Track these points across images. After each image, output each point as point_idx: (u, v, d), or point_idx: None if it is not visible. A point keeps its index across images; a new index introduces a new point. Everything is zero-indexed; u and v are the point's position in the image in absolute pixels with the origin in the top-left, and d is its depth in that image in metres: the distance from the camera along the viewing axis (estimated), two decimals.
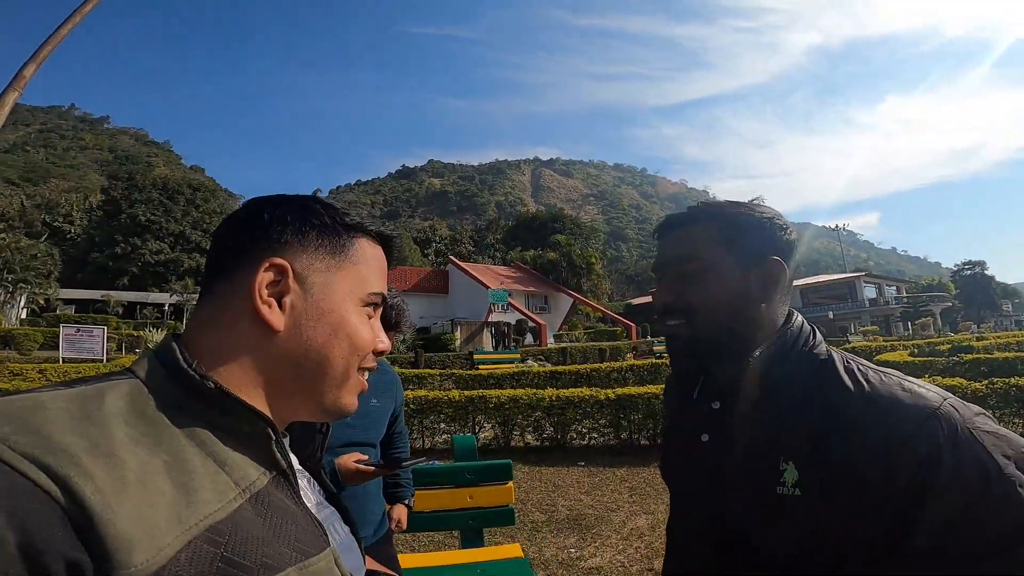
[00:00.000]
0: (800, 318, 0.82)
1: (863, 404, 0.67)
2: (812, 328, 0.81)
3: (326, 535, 0.49)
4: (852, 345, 17.43)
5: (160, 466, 0.39)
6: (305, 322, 0.51)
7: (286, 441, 0.57)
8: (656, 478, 4.97)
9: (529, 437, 6.79)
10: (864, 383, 0.69)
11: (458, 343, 20.65)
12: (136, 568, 0.34)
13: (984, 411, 0.66)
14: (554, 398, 6.45)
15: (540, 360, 16.49)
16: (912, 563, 0.61)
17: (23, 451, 0.34)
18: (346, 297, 0.54)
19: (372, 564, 0.75)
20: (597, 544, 3.66)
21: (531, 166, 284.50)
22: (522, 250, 45.68)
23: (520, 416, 6.53)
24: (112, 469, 0.37)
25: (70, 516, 0.34)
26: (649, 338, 25.48)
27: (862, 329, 32.95)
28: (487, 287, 27.99)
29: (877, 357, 11.79)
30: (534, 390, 6.87)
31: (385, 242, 0.61)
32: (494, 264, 42.28)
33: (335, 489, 0.65)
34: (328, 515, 0.59)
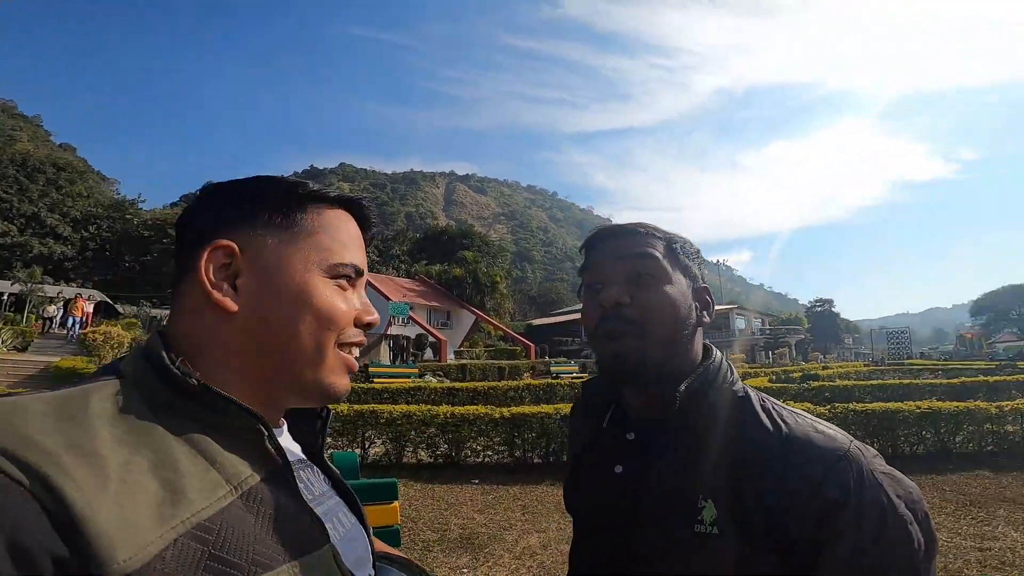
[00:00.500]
0: (719, 353, 0.79)
1: (781, 444, 0.67)
2: (729, 364, 0.78)
3: (324, 530, 0.48)
4: None
5: (145, 465, 0.39)
6: (263, 300, 0.50)
7: (283, 432, 0.56)
8: (549, 496, 5.07)
9: (422, 454, 6.67)
10: (781, 423, 0.70)
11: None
12: (119, 565, 0.34)
13: (877, 452, 0.70)
14: (449, 415, 6.42)
15: (439, 376, 16.30)
16: None
17: (2, 450, 0.34)
18: (306, 269, 0.52)
19: (381, 547, 0.74)
20: (490, 564, 3.65)
21: (446, 179, 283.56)
22: (428, 264, 45.08)
23: (413, 432, 6.44)
24: (93, 468, 0.36)
25: (51, 514, 0.34)
26: (547, 358, 26.20)
27: (732, 357, 36.55)
28: (388, 299, 27.25)
29: (743, 382, 13.20)
30: (428, 406, 6.85)
31: (354, 210, 0.58)
32: (398, 276, 41.24)
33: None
34: (333, 506, 0.57)
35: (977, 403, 6.51)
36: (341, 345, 0.53)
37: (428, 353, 25.01)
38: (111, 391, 0.43)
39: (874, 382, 11.00)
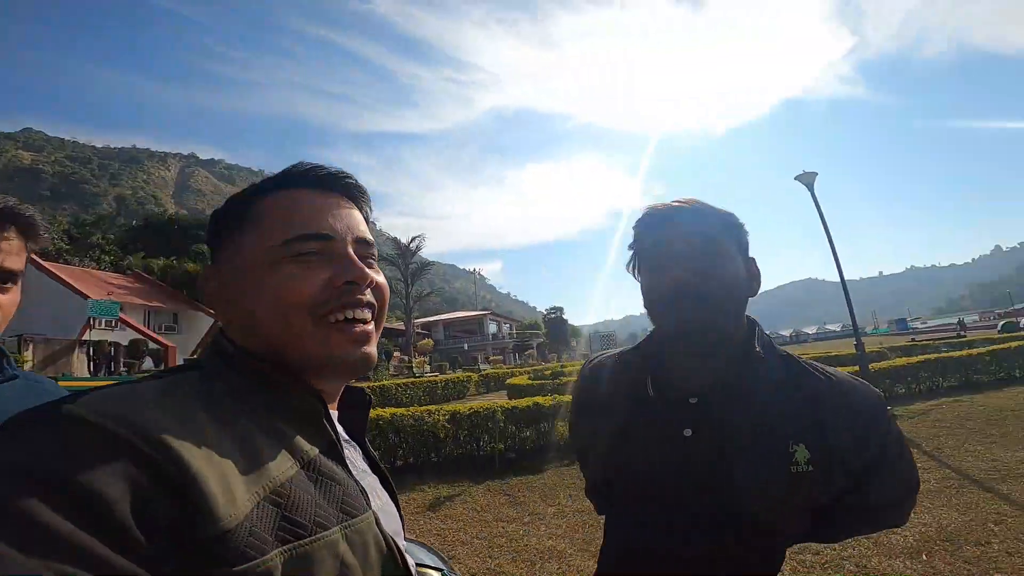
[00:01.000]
0: (755, 319, 0.87)
1: (838, 390, 0.79)
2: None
3: (368, 499, 0.53)
4: (486, 371, 20.81)
5: (230, 439, 0.45)
6: (237, 305, 0.55)
7: (335, 413, 0.61)
8: None
9: None
10: (826, 374, 0.82)
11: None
12: (223, 522, 0.39)
13: None
14: None
15: None
16: (862, 513, 0.80)
17: (122, 417, 0.40)
18: (258, 262, 0.54)
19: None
20: None
21: (181, 162, 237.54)
22: (147, 257, 36.92)
23: None
24: (199, 437, 0.42)
25: (166, 474, 0.38)
26: None
27: (491, 358, 39.67)
28: (86, 296, 21.29)
29: (507, 381, 14.37)
30: None
31: (305, 181, 0.59)
32: (99, 268, 32.45)
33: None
34: (371, 482, 0.60)
35: None
36: (327, 315, 0.54)
37: (148, 363, 20.32)
38: (197, 378, 0.51)
39: None
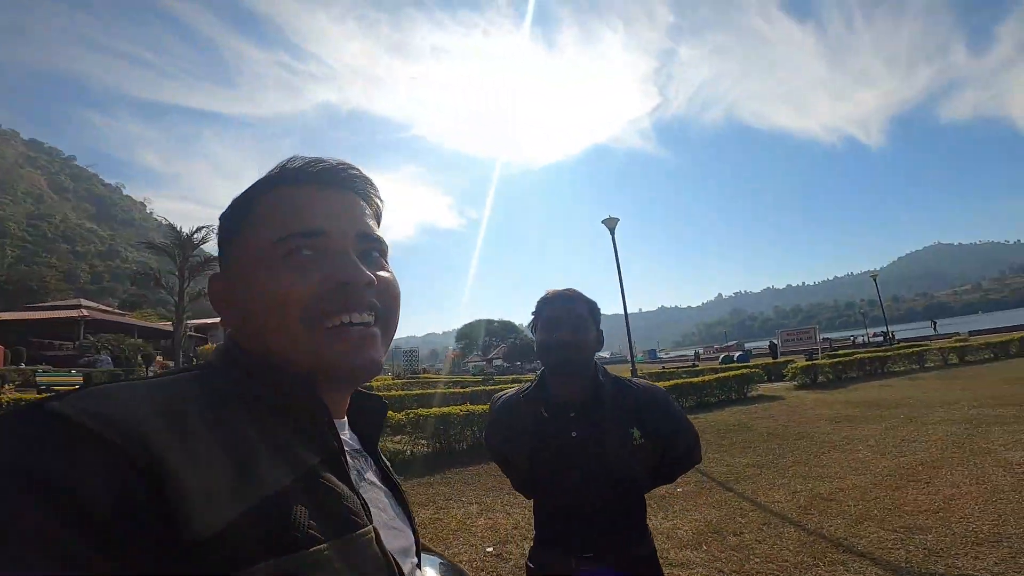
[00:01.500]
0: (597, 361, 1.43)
1: (644, 392, 1.40)
2: None
3: (369, 513, 0.50)
4: None
5: (222, 445, 0.42)
6: (240, 310, 0.53)
7: (343, 424, 0.59)
8: None
9: None
10: (635, 384, 1.42)
11: None
12: (203, 530, 0.37)
13: None
14: None
15: None
16: (677, 460, 1.40)
17: (107, 415, 0.38)
18: (255, 264, 0.52)
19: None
20: None
21: None
22: None
23: None
24: (185, 441, 0.40)
25: (145, 472, 0.36)
26: (25, 365, 18.64)
27: None
28: None
29: None
30: None
31: (303, 176, 0.56)
32: None
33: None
34: (378, 495, 0.58)
35: None
36: (321, 319, 0.51)
37: None
38: (199, 378, 0.48)
39: (416, 392, 13.15)
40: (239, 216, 0.55)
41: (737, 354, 28.32)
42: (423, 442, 7.53)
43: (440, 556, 0.87)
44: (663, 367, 25.45)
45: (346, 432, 0.59)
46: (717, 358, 39.00)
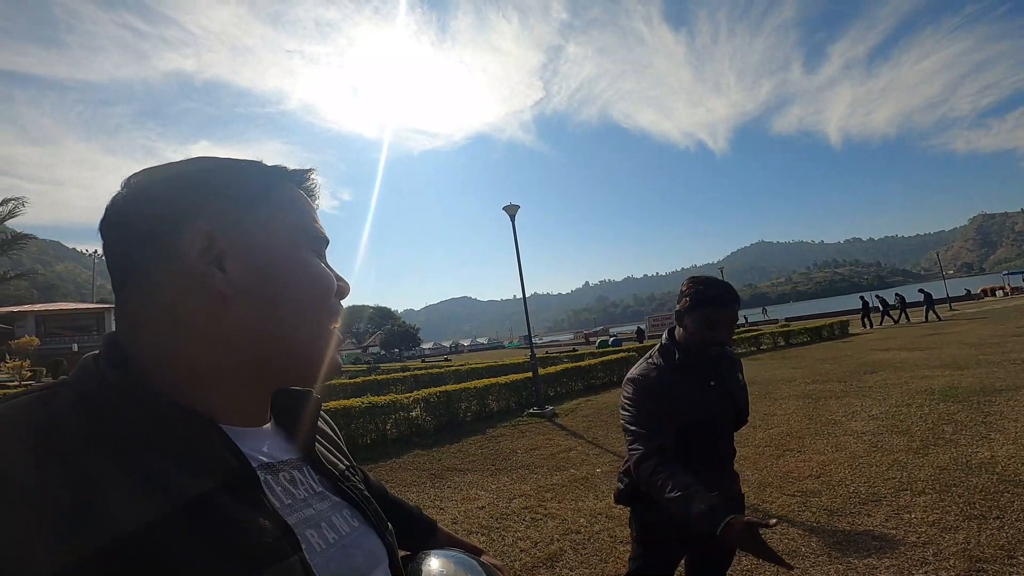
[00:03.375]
0: None
1: (734, 354, 1.86)
2: None
3: (295, 541, 0.43)
4: None
5: (61, 479, 0.35)
6: (260, 281, 0.47)
7: (263, 431, 0.51)
8: None
9: None
10: (727, 348, 1.79)
11: None
12: None
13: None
14: None
15: None
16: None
17: None
18: (294, 245, 0.50)
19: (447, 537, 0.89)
20: None
21: None
22: None
23: None
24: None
25: None
26: None
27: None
28: None
29: None
30: None
31: (304, 184, 0.56)
32: None
33: (344, 476, 0.59)
34: (325, 509, 0.52)
35: (395, 396, 8.30)
36: (334, 317, 0.52)
37: None
38: (45, 401, 0.39)
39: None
40: (254, 191, 0.50)
41: (612, 339, 30.55)
42: None
43: (457, 551, 0.80)
44: (546, 352, 26.54)
45: (267, 443, 0.51)
46: (588, 343, 41.74)
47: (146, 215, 0.46)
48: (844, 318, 24.53)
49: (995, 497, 3.38)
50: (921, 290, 25.19)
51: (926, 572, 2.61)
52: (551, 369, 12.06)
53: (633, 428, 1.63)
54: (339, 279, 0.54)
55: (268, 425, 0.53)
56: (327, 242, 0.55)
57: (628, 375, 1.75)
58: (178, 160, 0.51)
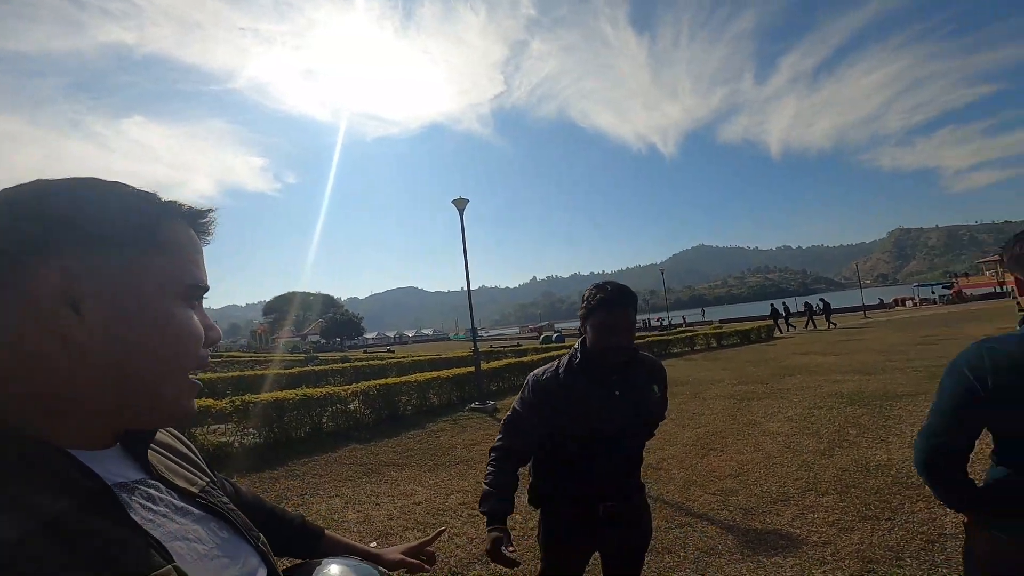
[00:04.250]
0: None
1: (657, 363, 1.79)
2: None
3: (165, 552, 0.44)
4: None
5: None
6: (116, 328, 0.45)
7: (110, 454, 0.50)
8: None
9: None
10: (647, 356, 1.77)
11: None
12: None
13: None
14: None
15: None
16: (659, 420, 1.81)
17: None
18: (161, 293, 0.48)
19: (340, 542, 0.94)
20: None
21: None
22: None
23: None
24: None
25: None
26: None
27: None
28: None
29: None
30: None
31: (197, 222, 0.54)
32: None
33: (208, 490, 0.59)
34: (190, 522, 0.52)
35: (331, 388, 8.03)
36: (199, 367, 0.52)
37: None
38: None
39: (233, 373, 11.47)
40: (130, 229, 0.47)
41: (555, 335, 31.12)
42: (252, 432, 6.68)
43: (354, 559, 0.83)
44: (491, 346, 26.62)
45: (117, 464, 0.51)
46: (535, 337, 42.24)
47: (16, 233, 0.43)
48: (770, 322, 26.20)
49: (888, 499, 3.71)
50: (822, 299, 28.35)
51: (824, 572, 2.83)
52: (494, 364, 12.10)
53: (506, 421, 1.71)
54: (209, 328, 0.53)
55: (116, 447, 0.52)
56: (205, 289, 0.53)
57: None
58: (50, 180, 0.47)
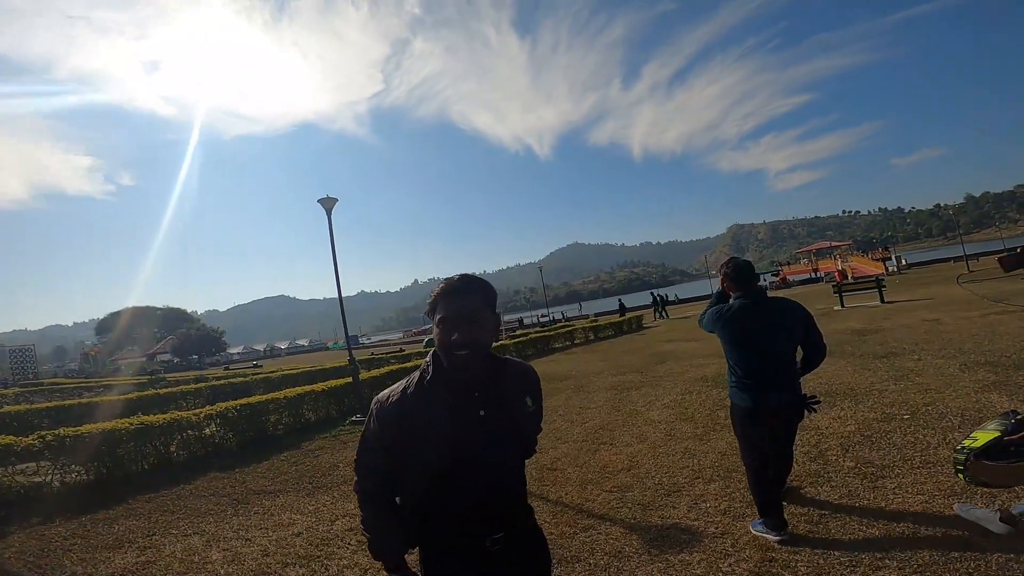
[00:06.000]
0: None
1: (528, 368, 1.53)
2: None
3: None
4: None
5: None
6: None
7: None
8: None
9: None
10: (516, 361, 1.51)
11: None
12: None
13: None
14: None
15: None
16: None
17: None
18: None
19: None
20: None
21: None
22: None
23: None
24: None
25: None
26: None
27: None
28: None
29: None
30: None
31: None
32: None
33: None
34: None
35: (179, 413, 6.90)
36: None
37: None
38: None
39: (47, 405, 9.48)
40: None
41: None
42: (77, 469, 5.47)
43: None
44: (372, 353, 25.29)
45: None
46: (420, 341, 41.21)
47: None
48: (638, 313, 28.30)
49: None
50: (656, 292, 33.16)
51: (730, 564, 2.80)
52: (375, 372, 11.40)
53: (356, 457, 1.51)
54: None
55: None
56: None
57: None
58: None
